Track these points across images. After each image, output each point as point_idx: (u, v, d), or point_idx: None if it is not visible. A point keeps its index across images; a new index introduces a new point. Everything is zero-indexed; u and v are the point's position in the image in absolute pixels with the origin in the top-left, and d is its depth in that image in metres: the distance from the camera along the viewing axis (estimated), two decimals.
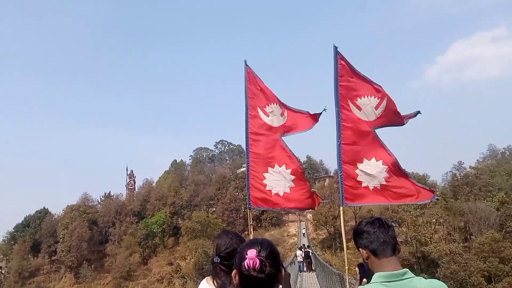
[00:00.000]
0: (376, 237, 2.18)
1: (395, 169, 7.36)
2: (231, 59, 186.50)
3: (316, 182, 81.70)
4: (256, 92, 8.02)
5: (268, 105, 7.93)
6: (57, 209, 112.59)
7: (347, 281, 7.93)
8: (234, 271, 1.72)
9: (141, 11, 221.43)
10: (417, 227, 43.69)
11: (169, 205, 74.11)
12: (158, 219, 70.79)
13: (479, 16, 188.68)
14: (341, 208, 7.66)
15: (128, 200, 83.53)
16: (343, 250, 7.74)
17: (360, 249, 2.23)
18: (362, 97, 7.56)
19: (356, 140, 7.48)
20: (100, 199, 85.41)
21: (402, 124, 7.69)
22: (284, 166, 7.62)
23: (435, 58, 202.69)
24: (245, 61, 8.08)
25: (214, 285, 2.46)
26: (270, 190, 7.59)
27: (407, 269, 2.05)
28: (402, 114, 7.64)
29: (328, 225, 57.01)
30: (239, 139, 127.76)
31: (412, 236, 44.05)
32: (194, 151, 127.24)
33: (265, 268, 1.66)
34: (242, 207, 67.44)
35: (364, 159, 7.37)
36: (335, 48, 7.57)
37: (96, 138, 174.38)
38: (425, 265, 42.51)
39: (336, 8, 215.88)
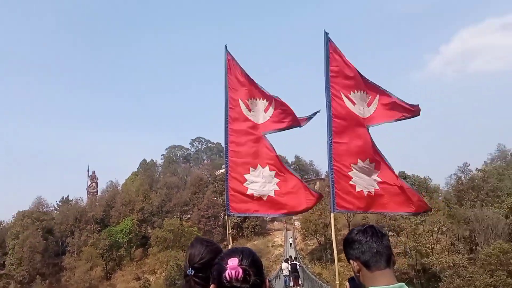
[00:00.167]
0: (368, 247, 2.19)
1: (388, 175, 7.44)
2: (210, 44, 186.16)
3: None
4: (237, 82, 7.99)
5: (251, 98, 7.90)
6: (5, 215, 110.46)
7: None
8: (212, 286, 1.71)
9: None
10: (417, 236, 44.28)
11: (137, 211, 73.42)
12: (124, 227, 70.00)
13: (488, 1, 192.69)
14: (332, 215, 7.69)
15: (90, 205, 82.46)
16: (335, 263, 7.79)
17: (351, 261, 2.25)
18: (356, 91, 7.62)
19: (350, 137, 7.52)
20: (57, 204, 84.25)
21: (402, 118, 7.77)
22: (267, 167, 7.62)
23: (439, 47, 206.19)
24: (226, 46, 8.05)
25: None
26: (252, 194, 7.57)
27: (403, 283, 2.07)
28: (402, 103, 7.71)
29: (318, 234, 57.38)
30: (218, 136, 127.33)
31: (412, 246, 44.67)
32: (166, 149, 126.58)
33: (249, 277, 1.65)
34: (221, 214, 67.23)
35: (359, 160, 7.43)
36: (326, 34, 7.61)
37: (52, 133, 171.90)
38: (425, 279, 43.24)
39: None
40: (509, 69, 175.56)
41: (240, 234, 68.03)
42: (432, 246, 43.77)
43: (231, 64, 8.00)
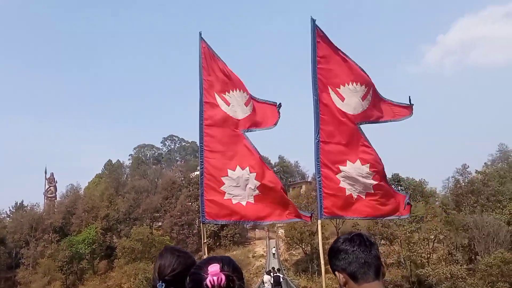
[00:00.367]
0: (355, 257, 2.20)
1: (383, 177, 7.51)
2: (184, 30, 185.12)
3: (291, 189, 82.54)
4: (213, 73, 7.94)
5: (229, 91, 7.87)
6: None
7: None
8: None
9: None
10: (411, 245, 44.81)
11: (101, 218, 72.70)
12: (86, 236, 69.26)
13: None
14: (319, 222, 7.71)
15: (47, 212, 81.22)
16: (322, 275, 7.83)
17: (336, 272, 2.25)
18: (346, 84, 7.63)
19: (339, 137, 7.55)
20: (10, 210, 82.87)
21: (393, 120, 7.86)
22: (248, 168, 7.60)
23: (436, 37, 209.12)
24: (200, 33, 7.98)
25: None
26: (230, 199, 7.55)
27: None
28: (393, 103, 7.79)
29: (303, 243, 57.62)
30: (192, 135, 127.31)
31: (406, 256, 45.21)
32: (135, 149, 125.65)
33: (233, 284, 1.69)
34: (196, 221, 67.06)
35: (348, 161, 7.47)
36: (313, 21, 7.60)
37: (1, 129, 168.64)
38: None
39: None
40: None
41: (217, 244, 67.94)
42: (428, 255, 44.34)
43: (206, 53, 7.94)
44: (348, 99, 7.57)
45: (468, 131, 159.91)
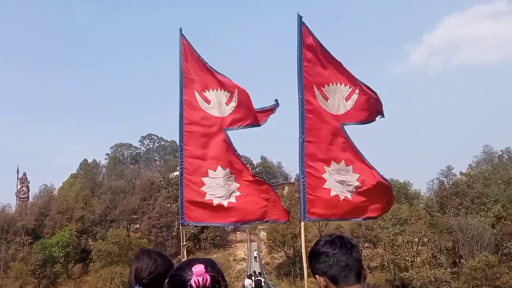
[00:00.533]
0: (336, 260, 2.20)
1: (368, 178, 7.56)
2: (164, 27, 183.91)
3: None
4: (194, 71, 7.93)
5: (210, 90, 7.87)
6: None
7: None
8: None
9: None
10: (395, 248, 45.21)
11: (75, 220, 71.99)
12: (60, 239, 68.49)
13: None
14: (302, 224, 7.73)
15: (19, 213, 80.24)
16: (304, 278, 7.86)
17: (317, 276, 2.26)
18: (331, 84, 7.68)
19: (324, 137, 7.59)
20: None
21: (374, 120, 7.95)
22: (229, 169, 7.60)
23: (421, 36, 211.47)
24: (180, 30, 7.97)
25: None
26: (211, 200, 7.54)
27: None
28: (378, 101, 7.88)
29: (286, 246, 57.81)
30: (172, 134, 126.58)
31: (390, 259, 45.61)
32: (112, 148, 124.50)
33: (218, 285, 1.70)
34: (175, 223, 66.76)
35: (333, 161, 7.51)
36: (300, 18, 7.62)
37: None
38: None
39: None
40: (499, 61, 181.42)
41: (197, 247, 67.75)
42: (412, 259, 44.81)
43: (187, 50, 7.93)
44: (332, 99, 7.62)
45: (453, 132, 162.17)
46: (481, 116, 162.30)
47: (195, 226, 60.35)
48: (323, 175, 7.47)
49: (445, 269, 41.52)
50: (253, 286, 28.21)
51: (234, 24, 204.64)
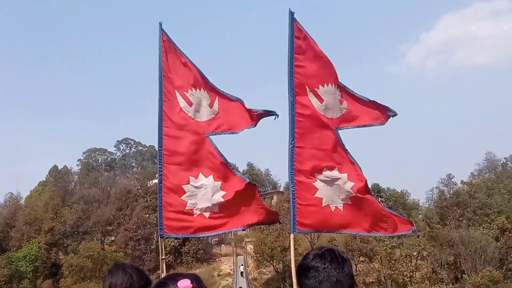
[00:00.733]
0: (327, 275, 2.19)
1: (364, 188, 7.56)
2: (144, 20, 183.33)
3: None
4: (175, 70, 7.90)
5: (192, 89, 7.84)
6: None
7: None
8: None
9: None
10: (393, 262, 45.48)
11: (45, 232, 71.63)
12: (27, 252, 68.13)
13: None
14: (291, 236, 7.72)
15: None
16: None
17: None
18: (326, 85, 7.68)
19: (316, 142, 7.58)
20: None
21: (374, 124, 7.95)
22: (211, 176, 7.57)
23: (418, 35, 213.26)
24: (160, 24, 7.93)
25: None
26: (191, 210, 7.50)
27: None
28: (375, 105, 7.87)
29: (275, 260, 57.86)
30: (150, 138, 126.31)
31: (387, 274, 45.86)
32: (84, 153, 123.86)
33: None
34: (154, 235, 66.63)
35: (325, 169, 7.50)
36: (291, 14, 7.62)
37: None
38: None
39: None
40: (499, 62, 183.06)
41: (178, 261, 67.64)
42: (411, 274, 45.12)
43: (167, 46, 7.89)
44: (327, 101, 7.61)
45: (454, 138, 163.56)
46: (483, 121, 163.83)
47: (176, 239, 60.22)
48: (314, 183, 7.45)
49: (446, 285, 41.87)
50: None
51: (219, 21, 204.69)
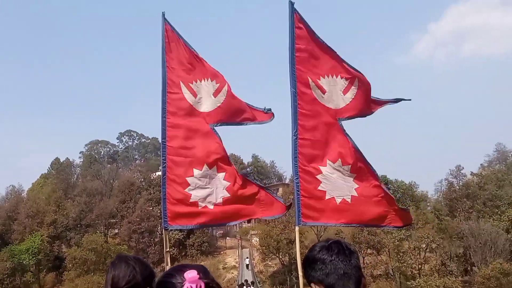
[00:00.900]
0: (334, 267, 2.22)
1: (367, 179, 7.57)
2: (145, 11, 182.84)
3: None
4: (179, 60, 7.90)
5: (196, 81, 7.85)
6: None
7: None
8: None
9: None
10: (401, 255, 45.36)
11: (47, 225, 71.68)
12: (30, 245, 68.20)
13: None
14: (297, 229, 7.75)
15: None
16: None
17: (312, 284, 2.28)
18: (327, 76, 7.69)
19: (318, 133, 7.60)
20: None
21: (371, 113, 7.97)
22: (215, 167, 7.60)
23: (427, 25, 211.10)
24: (163, 14, 7.94)
25: None
26: (196, 202, 7.54)
27: None
28: (377, 99, 7.89)
29: (281, 253, 57.82)
30: (153, 130, 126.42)
31: (395, 267, 45.78)
32: (87, 145, 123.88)
33: None
34: (158, 228, 66.63)
35: (328, 161, 7.51)
36: (291, 4, 7.61)
37: None
38: None
39: None
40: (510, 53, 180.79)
41: (183, 254, 67.59)
42: (420, 266, 44.99)
43: (170, 36, 7.90)
44: (330, 92, 7.62)
45: (463, 129, 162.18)
46: (494, 112, 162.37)
47: (180, 231, 60.33)
48: (318, 176, 7.46)
49: (455, 277, 41.74)
50: None
51: (219, 21, 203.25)
